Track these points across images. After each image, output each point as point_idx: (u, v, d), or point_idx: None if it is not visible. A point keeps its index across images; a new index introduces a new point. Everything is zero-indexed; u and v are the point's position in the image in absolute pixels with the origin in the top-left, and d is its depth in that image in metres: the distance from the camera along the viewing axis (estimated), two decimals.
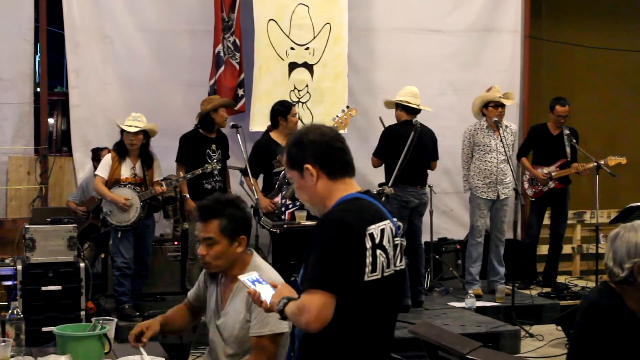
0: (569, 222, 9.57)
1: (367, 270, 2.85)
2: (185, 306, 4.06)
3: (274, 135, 7.75)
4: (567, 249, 9.91)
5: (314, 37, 9.16)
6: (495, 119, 8.39)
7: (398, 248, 3.03)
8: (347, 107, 8.15)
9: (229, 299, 3.78)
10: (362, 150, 8.86)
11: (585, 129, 9.68)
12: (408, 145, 7.59)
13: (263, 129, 8.15)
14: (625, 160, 8.95)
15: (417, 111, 8.02)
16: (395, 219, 3.04)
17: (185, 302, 4.08)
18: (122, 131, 7.58)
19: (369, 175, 9.04)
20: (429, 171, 8.26)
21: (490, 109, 8.50)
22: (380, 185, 7.86)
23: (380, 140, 8.14)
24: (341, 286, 2.78)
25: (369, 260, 2.85)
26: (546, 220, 9.39)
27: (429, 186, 8.38)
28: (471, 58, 10.00)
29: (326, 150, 3.00)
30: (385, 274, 2.92)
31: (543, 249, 9.52)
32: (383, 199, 7.41)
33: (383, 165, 8.09)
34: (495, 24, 10.08)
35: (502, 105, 8.53)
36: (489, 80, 9.17)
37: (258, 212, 7.45)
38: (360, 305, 2.86)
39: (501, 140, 8.29)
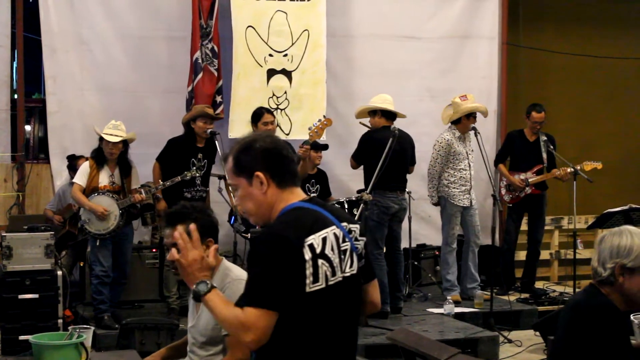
0: (546, 228, 9.62)
1: (307, 281, 2.79)
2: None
3: None
4: (545, 254, 9.95)
5: (293, 44, 9.16)
6: (474, 126, 8.44)
7: (347, 253, 2.94)
8: (324, 116, 8.14)
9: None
10: (341, 157, 8.91)
11: (562, 135, 9.73)
12: (386, 151, 7.60)
13: (242, 135, 8.12)
14: (600, 165, 8.99)
15: (394, 117, 8.04)
16: (344, 223, 2.97)
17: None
18: (101, 139, 7.55)
19: (349, 182, 9.08)
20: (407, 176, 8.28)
21: (471, 118, 8.55)
22: (359, 191, 7.86)
23: (359, 145, 8.13)
24: (281, 301, 2.74)
25: (309, 271, 2.79)
26: (524, 226, 9.43)
27: (407, 192, 8.39)
28: (449, 65, 10.04)
29: (278, 159, 2.96)
30: (330, 283, 2.85)
31: (521, 255, 9.56)
32: (362, 205, 7.41)
33: (362, 172, 8.09)
34: (473, 31, 10.13)
35: None
36: (466, 87, 9.21)
37: (236, 219, 7.44)
38: (308, 316, 2.81)
39: (479, 147, 8.30)
